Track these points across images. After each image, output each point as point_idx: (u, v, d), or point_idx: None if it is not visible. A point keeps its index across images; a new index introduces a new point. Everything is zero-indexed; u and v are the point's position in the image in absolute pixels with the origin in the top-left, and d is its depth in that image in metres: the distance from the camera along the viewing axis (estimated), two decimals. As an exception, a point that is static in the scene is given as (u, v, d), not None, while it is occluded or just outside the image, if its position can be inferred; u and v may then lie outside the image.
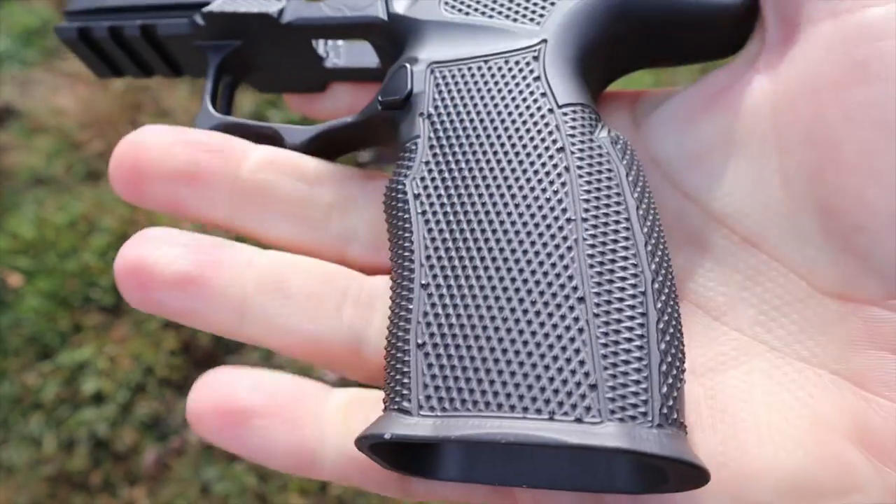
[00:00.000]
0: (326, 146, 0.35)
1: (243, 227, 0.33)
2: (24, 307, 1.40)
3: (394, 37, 0.34)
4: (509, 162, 0.28)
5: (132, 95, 1.59)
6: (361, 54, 0.38)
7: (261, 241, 0.33)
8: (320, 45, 0.38)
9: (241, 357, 1.34)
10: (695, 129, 0.30)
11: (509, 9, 0.32)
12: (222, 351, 1.36)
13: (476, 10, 0.32)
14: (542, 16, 0.31)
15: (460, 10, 0.33)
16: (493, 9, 0.32)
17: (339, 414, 0.29)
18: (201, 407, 0.29)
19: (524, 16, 0.32)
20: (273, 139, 0.35)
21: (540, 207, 0.27)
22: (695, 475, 0.24)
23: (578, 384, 0.24)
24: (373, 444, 0.25)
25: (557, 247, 0.26)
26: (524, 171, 0.28)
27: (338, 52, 0.38)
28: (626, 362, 0.24)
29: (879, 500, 0.24)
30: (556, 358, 0.25)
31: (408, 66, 0.32)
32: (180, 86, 1.59)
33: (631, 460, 0.26)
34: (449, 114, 0.30)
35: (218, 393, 0.29)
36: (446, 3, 0.33)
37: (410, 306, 0.27)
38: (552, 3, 0.31)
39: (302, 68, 0.38)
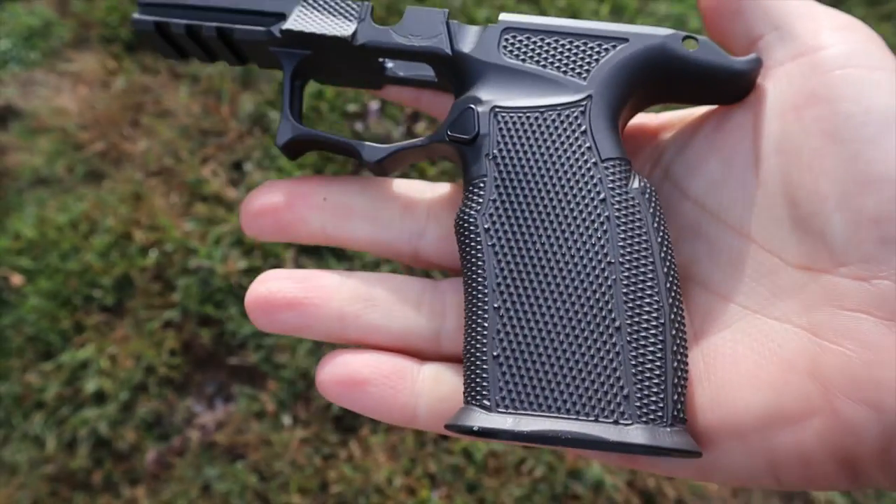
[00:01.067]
0: (397, 161, 0.40)
1: (336, 236, 0.41)
2: (25, 307, 1.41)
3: (456, 70, 0.39)
4: (562, 209, 0.35)
5: (133, 96, 1.60)
6: (416, 67, 0.42)
7: (349, 245, 0.42)
8: None
9: (241, 357, 1.35)
10: (697, 144, 0.39)
11: (560, 61, 0.37)
12: (223, 350, 1.37)
13: (531, 58, 0.38)
14: (587, 70, 0.37)
15: (517, 57, 0.38)
16: (546, 59, 0.37)
17: (428, 382, 0.38)
18: (326, 378, 0.38)
19: (573, 69, 0.37)
20: (350, 153, 0.40)
21: (587, 251, 0.34)
22: (693, 455, 0.32)
23: (616, 395, 0.32)
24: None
25: (601, 285, 0.34)
26: (574, 218, 0.35)
27: (395, 61, 0.42)
28: (650, 378, 0.33)
29: (829, 421, 0.31)
30: (599, 374, 0.33)
31: (474, 107, 0.37)
32: (181, 87, 1.59)
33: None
34: (511, 158, 0.36)
35: (339, 368, 0.38)
36: (505, 48, 0.38)
37: (486, 324, 0.34)
38: (596, 60, 0.37)
39: (364, 73, 0.42)
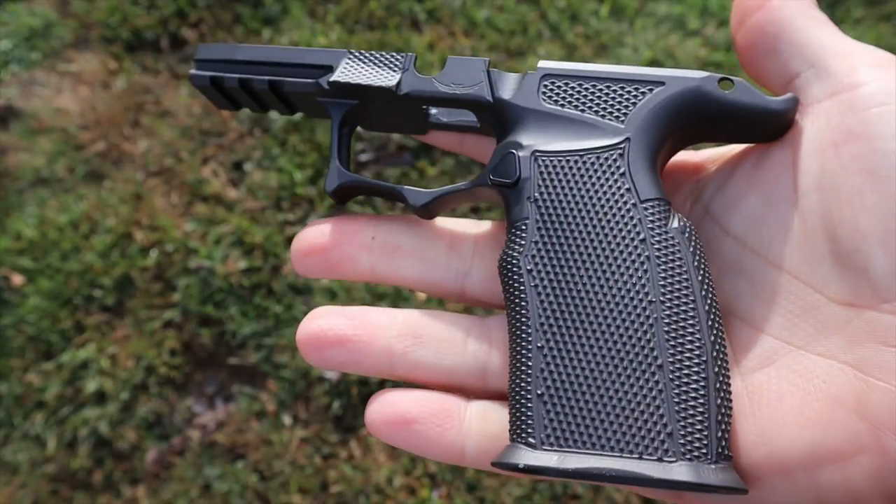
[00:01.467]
0: (441, 205, 0.42)
1: (384, 274, 0.42)
2: (26, 307, 1.41)
3: (497, 116, 0.40)
4: (603, 249, 0.36)
5: (134, 96, 1.60)
6: (459, 113, 0.44)
7: (397, 283, 0.42)
8: None
9: (241, 357, 1.35)
10: (736, 182, 0.39)
11: (598, 105, 0.38)
12: (223, 350, 1.37)
13: (570, 103, 0.39)
14: (625, 114, 0.38)
15: (556, 102, 0.39)
16: (584, 104, 0.38)
17: (476, 421, 0.38)
18: (376, 418, 0.38)
19: (611, 113, 0.38)
20: (396, 198, 0.42)
21: (628, 290, 0.35)
22: (739, 493, 0.32)
23: (659, 432, 0.33)
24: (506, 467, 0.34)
25: (642, 324, 0.34)
26: (615, 259, 0.35)
27: (439, 108, 0.44)
28: (693, 416, 0.33)
29: (879, 460, 0.31)
30: (642, 412, 0.33)
31: (515, 152, 0.38)
32: (182, 87, 1.60)
33: None
34: (553, 201, 0.37)
35: (387, 407, 0.38)
36: (544, 95, 0.39)
37: (530, 363, 0.35)
38: (633, 104, 0.38)
39: (409, 120, 0.44)
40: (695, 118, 0.38)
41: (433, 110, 0.44)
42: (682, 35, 1.58)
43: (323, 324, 0.40)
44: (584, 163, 0.37)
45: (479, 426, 0.38)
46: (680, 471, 0.32)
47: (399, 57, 0.42)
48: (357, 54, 0.42)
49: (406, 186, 0.41)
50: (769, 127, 0.38)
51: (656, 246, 0.35)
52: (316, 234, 0.42)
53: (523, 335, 0.36)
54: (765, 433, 0.34)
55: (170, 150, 1.53)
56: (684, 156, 0.44)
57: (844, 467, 0.32)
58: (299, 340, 0.40)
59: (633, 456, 0.33)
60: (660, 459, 0.33)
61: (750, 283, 0.38)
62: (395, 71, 0.41)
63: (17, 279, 1.44)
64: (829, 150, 0.35)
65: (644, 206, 0.36)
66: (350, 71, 0.41)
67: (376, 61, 0.42)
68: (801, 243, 0.36)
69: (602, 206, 0.36)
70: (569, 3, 1.60)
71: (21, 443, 1.33)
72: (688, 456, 0.33)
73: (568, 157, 0.37)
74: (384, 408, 0.39)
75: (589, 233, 0.36)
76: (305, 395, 1.32)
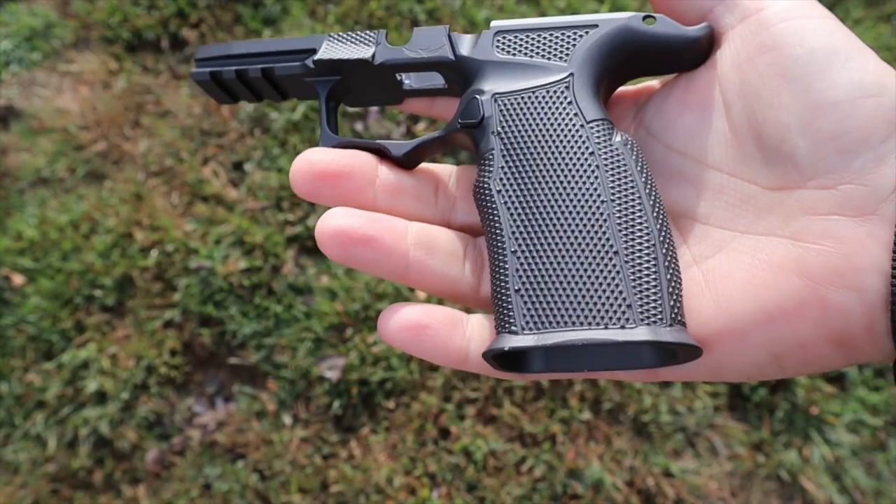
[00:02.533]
0: (420, 153, 0.47)
1: (385, 208, 0.46)
2: (26, 307, 1.41)
3: (460, 71, 0.47)
4: (559, 164, 0.42)
5: (134, 96, 1.60)
6: (428, 78, 0.50)
7: (395, 216, 0.46)
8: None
9: (242, 357, 1.35)
10: (671, 104, 0.46)
11: (544, 50, 0.45)
12: (223, 350, 1.37)
13: (520, 51, 0.46)
14: (567, 54, 0.45)
15: (509, 52, 0.46)
16: (532, 50, 0.46)
17: (475, 329, 0.43)
18: (392, 326, 0.42)
19: (555, 55, 0.45)
20: (380, 152, 0.47)
21: (583, 195, 0.41)
22: (694, 351, 0.38)
23: (620, 305, 0.39)
24: (495, 355, 0.40)
25: (598, 220, 0.40)
26: (569, 170, 0.42)
27: (409, 76, 0.50)
28: (648, 288, 0.39)
29: (820, 309, 0.37)
30: (605, 291, 0.39)
31: (478, 97, 0.45)
32: (182, 87, 1.60)
33: (655, 347, 0.41)
34: (513, 131, 0.43)
35: (403, 316, 0.42)
36: (498, 47, 0.46)
37: (507, 266, 0.41)
38: (573, 45, 0.45)
39: (385, 90, 0.50)
40: (626, 51, 0.45)
41: (406, 80, 0.50)
42: (682, 35, 1.58)
43: (351, 222, 0.43)
44: (537, 97, 0.44)
45: (479, 333, 0.43)
46: (640, 332, 0.38)
47: (372, 34, 0.48)
48: (336, 36, 0.48)
49: (387, 140, 0.45)
50: (691, 53, 0.44)
51: (603, 156, 0.41)
52: (327, 159, 0.44)
53: (499, 244, 0.42)
54: (720, 305, 0.40)
55: (170, 150, 1.53)
56: (624, 89, 0.50)
57: (792, 321, 0.38)
58: (323, 236, 0.42)
59: (600, 326, 0.38)
60: (622, 327, 0.38)
61: (694, 187, 0.44)
62: (369, 45, 0.48)
63: (18, 279, 1.44)
64: (746, 63, 0.41)
65: (590, 125, 0.42)
66: (331, 50, 0.48)
67: (353, 39, 0.48)
68: (732, 146, 0.42)
69: (555, 130, 0.43)
70: (569, 3, 1.60)
71: (21, 443, 1.34)
72: (646, 321, 0.38)
73: (523, 94, 0.44)
74: (399, 316, 0.42)
75: (546, 152, 0.42)
76: (305, 395, 1.32)
